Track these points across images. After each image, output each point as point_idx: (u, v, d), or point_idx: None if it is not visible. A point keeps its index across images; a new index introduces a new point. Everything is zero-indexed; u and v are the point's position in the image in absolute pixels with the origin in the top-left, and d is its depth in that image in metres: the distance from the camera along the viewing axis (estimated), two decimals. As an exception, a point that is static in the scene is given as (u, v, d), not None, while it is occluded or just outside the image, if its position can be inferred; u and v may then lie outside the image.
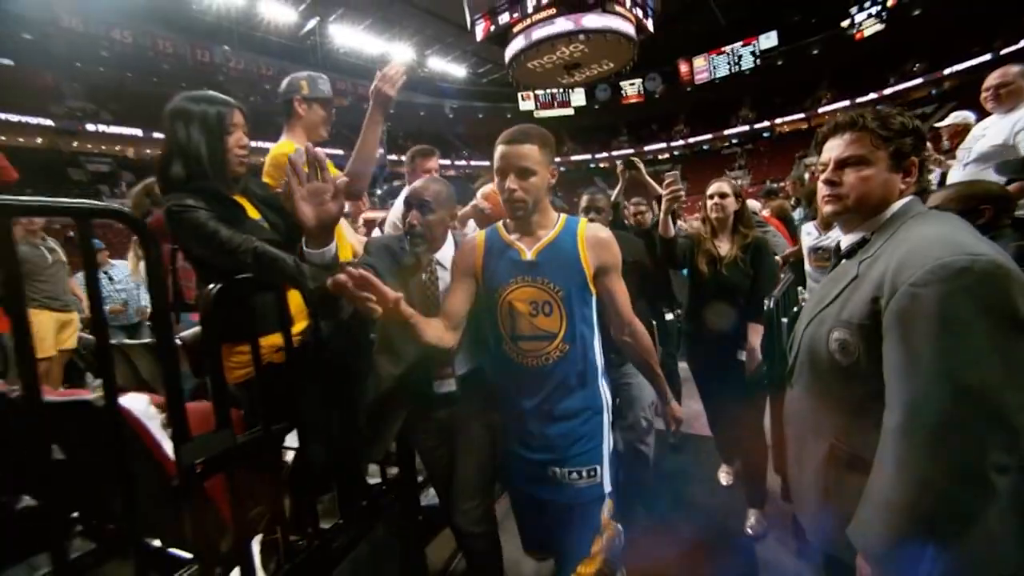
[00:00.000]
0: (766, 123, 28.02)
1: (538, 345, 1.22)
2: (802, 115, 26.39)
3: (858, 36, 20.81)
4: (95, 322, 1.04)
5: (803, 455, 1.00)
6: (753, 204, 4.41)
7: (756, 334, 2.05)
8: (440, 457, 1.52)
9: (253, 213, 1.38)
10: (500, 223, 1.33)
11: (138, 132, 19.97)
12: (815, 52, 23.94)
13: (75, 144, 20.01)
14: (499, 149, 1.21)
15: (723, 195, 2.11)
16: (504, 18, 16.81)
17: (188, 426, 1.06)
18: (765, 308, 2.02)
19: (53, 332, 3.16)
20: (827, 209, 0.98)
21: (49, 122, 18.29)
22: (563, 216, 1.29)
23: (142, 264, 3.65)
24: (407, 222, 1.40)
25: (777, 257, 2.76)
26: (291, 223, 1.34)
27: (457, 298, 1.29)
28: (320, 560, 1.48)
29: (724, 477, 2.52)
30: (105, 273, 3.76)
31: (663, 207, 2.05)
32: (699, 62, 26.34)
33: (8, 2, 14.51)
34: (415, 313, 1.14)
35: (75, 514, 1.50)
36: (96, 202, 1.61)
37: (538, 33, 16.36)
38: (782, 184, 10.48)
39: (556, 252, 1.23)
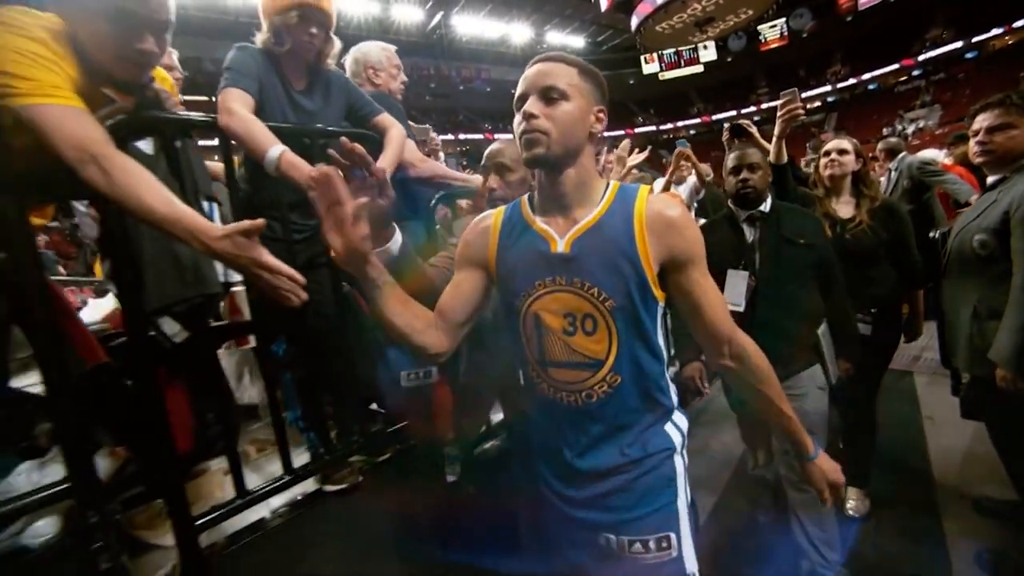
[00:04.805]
0: (970, 41, 21.30)
1: (576, 376, 0.88)
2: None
3: None
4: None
5: (956, 320, 1.64)
6: (931, 153, 3.93)
7: (921, 301, 1.97)
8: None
9: None
10: (525, 197, 0.98)
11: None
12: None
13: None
14: (522, 77, 0.88)
15: (842, 151, 1.94)
16: (628, -19, 16.15)
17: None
18: (937, 241, 1.95)
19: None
20: (978, 160, 1.57)
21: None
22: (614, 185, 0.90)
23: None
24: (487, 188, 1.30)
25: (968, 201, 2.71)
26: None
27: (457, 292, 0.95)
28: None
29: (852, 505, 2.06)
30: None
31: (777, 130, 1.89)
32: (866, -19, 21.89)
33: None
34: (390, 281, 0.87)
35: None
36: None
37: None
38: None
39: (600, 241, 0.85)
